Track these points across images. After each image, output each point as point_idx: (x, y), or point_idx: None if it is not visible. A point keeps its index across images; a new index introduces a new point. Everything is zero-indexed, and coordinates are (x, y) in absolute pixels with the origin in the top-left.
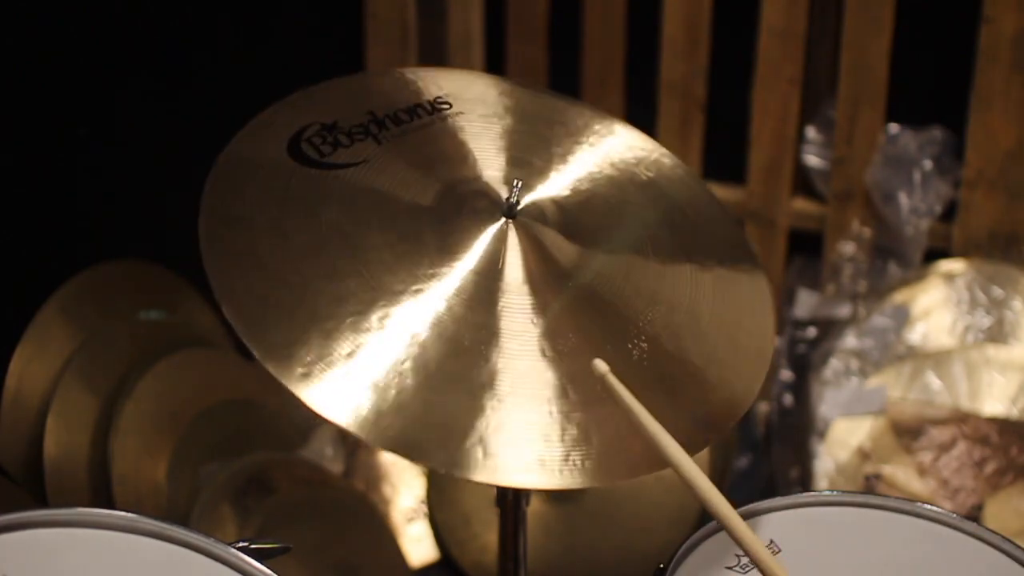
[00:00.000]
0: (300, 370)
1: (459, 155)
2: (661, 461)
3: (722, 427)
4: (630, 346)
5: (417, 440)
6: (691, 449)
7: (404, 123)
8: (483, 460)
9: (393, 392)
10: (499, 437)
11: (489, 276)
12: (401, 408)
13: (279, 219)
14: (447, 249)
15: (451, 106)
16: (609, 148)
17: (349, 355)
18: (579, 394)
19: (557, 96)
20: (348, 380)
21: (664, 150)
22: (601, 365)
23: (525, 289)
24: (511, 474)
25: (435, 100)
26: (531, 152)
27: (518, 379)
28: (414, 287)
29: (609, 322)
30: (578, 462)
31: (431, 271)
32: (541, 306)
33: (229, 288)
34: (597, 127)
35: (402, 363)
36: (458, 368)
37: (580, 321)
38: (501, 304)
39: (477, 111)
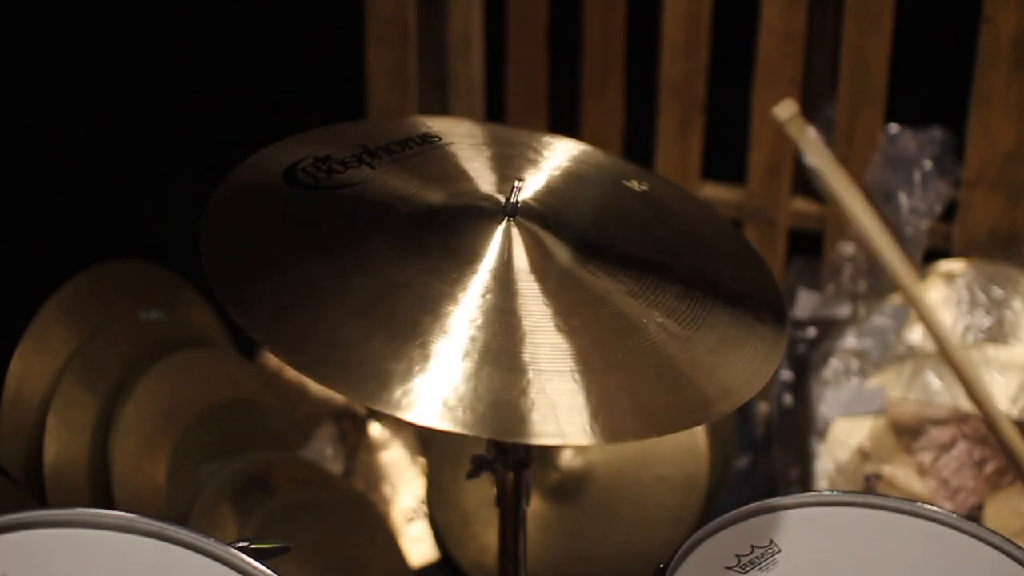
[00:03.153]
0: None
1: (454, 173)
2: (678, 422)
3: (722, 410)
4: (646, 320)
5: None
6: (697, 422)
7: (396, 152)
8: (535, 425)
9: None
10: (540, 404)
11: (503, 268)
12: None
13: (279, 232)
14: (455, 248)
15: (441, 139)
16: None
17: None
18: (598, 362)
19: (543, 133)
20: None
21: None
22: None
23: (532, 277)
24: (556, 435)
25: (425, 135)
26: (520, 171)
27: (542, 353)
28: (432, 283)
29: (618, 301)
30: (605, 421)
31: (452, 275)
32: (547, 290)
33: (231, 291)
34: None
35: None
36: (500, 348)
37: (587, 300)
38: (517, 291)
39: (466, 142)
